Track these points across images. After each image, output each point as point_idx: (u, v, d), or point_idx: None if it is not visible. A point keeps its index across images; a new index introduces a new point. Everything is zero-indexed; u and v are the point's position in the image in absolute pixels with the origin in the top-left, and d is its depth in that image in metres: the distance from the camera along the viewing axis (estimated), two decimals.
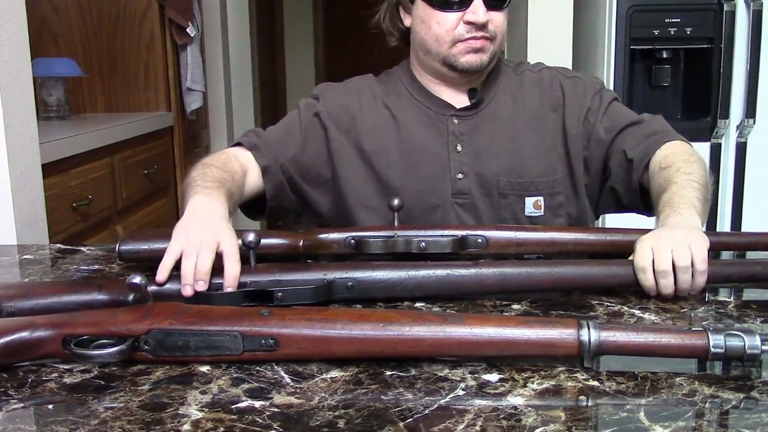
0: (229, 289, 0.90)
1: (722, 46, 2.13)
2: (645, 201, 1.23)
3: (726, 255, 1.15)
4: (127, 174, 2.28)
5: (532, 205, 1.27)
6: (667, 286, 0.92)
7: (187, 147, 2.81)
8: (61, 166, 1.86)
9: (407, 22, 1.29)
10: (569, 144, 1.27)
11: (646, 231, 1.09)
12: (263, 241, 1.09)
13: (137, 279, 0.78)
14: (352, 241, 1.07)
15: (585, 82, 1.31)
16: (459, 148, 1.27)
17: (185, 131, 2.80)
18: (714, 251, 1.13)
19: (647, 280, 0.93)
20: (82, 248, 1.25)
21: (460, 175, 1.26)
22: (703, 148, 2.20)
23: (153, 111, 2.61)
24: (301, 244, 1.08)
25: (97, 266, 1.13)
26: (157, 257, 1.05)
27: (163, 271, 0.91)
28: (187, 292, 0.89)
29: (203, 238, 0.93)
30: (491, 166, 1.26)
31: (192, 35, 2.70)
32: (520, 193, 1.26)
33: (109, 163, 2.16)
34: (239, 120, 3.58)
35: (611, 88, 1.85)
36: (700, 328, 0.71)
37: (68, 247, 1.27)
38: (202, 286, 0.89)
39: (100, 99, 2.63)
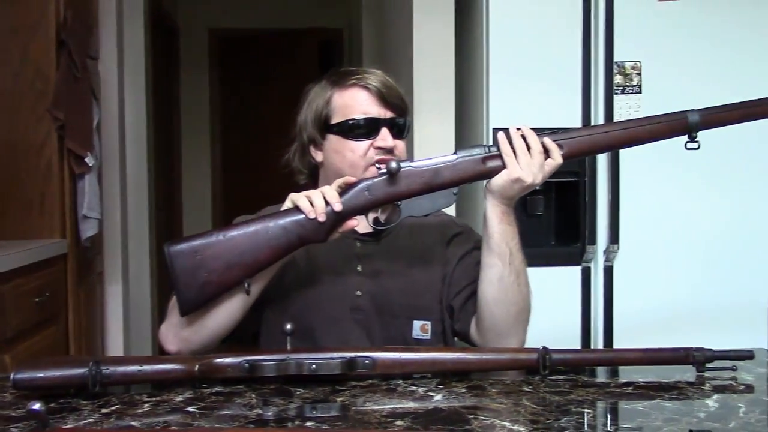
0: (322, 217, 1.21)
1: (586, 179, 2.36)
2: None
3: (601, 371, 1.26)
4: (17, 302, 2.24)
5: (420, 329, 1.39)
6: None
7: (80, 274, 2.79)
8: None
9: (319, 157, 1.44)
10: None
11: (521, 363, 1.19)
12: (157, 367, 1.14)
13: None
14: (246, 365, 1.13)
15: (473, 232, 1.49)
16: (359, 268, 1.40)
17: (79, 258, 2.79)
18: (587, 366, 1.26)
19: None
20: None
21: (358, 292, 1.39)
22: (574, 272, 2.40)
23: (47, 238, 2.59)
24: (196, 368, 1.13)
25: None
26: (53, 385, 1.09)
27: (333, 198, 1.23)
28: (322, 218, 1.21)
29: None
30: (385, 287, 1.39)
31: (90, 165, 2.74)
32: (410, 315, 1.39)
33: None
34: (134, 246, 3.58)
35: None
36: None
37: None
38: (339, 207, 1.22)
39: None
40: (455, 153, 1.26)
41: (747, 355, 1.19)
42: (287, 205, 1.27)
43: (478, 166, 1.25)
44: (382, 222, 1.30)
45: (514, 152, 1.24)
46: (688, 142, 1.26)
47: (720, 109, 1.27)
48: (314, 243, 1.25)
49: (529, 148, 1.24)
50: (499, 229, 1.28)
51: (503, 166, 1.24)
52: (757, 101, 1.29)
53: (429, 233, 1.45)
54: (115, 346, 3.30)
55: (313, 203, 1.23)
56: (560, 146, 1.25)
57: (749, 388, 1.14)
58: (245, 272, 1.22)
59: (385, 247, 1.43)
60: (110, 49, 3.28)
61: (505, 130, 1.27)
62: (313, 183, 1.47)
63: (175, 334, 1.29)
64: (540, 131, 1.27)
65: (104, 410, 1.04)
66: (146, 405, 1.06)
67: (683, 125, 1.25)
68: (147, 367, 1.13)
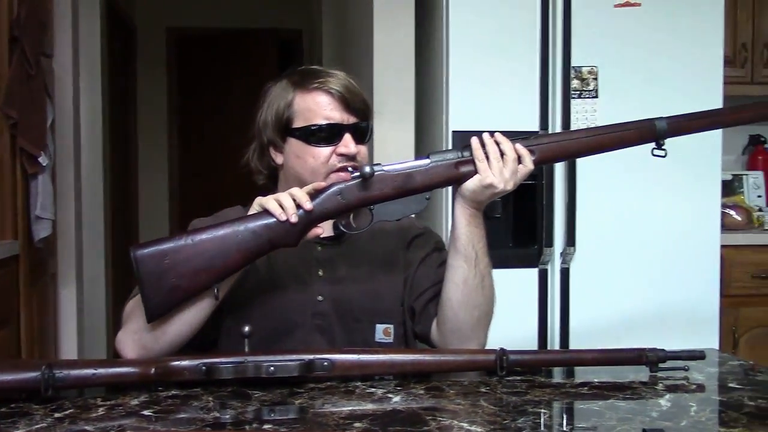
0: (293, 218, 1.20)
1: (543, 182, 2.39)
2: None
3: (557, 371, 1.28)
4: None
5: (383, 332, 1.39)
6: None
7: (32, 275, 2.74)
8: None
9: (279, 160, 1.42)
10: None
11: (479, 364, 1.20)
12: (112, 370, 1.13)
13: None
14: (203, 367, 1.12)
15: (432, 233, 1.50)
16: (321, 273, 1.39)
17: (31, 259, 2.73)
18: (544, 367, 1.27)
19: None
20: None
21: (320, 297, 1.37)
22: (531, 274, 2.42)
23: None
24: (152, 371, 1.12)
25: None
26: (4, 389, 1.06)
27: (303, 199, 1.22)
28: (294, 219, 1.20)
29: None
30: (347, 292, 1.38)
31: (44, 164, 2.69)
32: (372, 319, 1.38)
33: None
34: (89, 248, 3.52)
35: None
36: None
37: None
38: (309, 206, 1.21)
39: None
40: (428, 157, 1.26)
41: (698, 356, 1.22)
42: (254, 209, 1.25)
43: (450, 170, 1.25)
44: (354, 227, 1.29)
45: (487, 158, 1.24)
46: (654, 149, 1.28)
47: (687, 117, 1.29)
48: (285, 247, 1.23)
49: (502, 155, 1.24)
50: (466, 231, 1.29)
51: (475, 172, 1.25)
52: (721, 110, 1.32)
53: (389, 236, 1.44)
54: (68, 349, 3.24)
55: (283, 205, 1.21)
56: (532, 152, 1.26)
57: (700, 388, 1.17)
58: (214, 277, 1.20)
59: (346, 251, 1.42)
60: (65, 47, 3.22)
61: (479, 136, 1.26)
62: (272, 184, 1.46)
63: (135, 341, 1.25)
64: (506, 134, 1.26)
65: (57, 414, 1.02)
66: (101, 409, 1.05)
67: (651, 132, 1.27)
68: (102, 371, 1.11)
